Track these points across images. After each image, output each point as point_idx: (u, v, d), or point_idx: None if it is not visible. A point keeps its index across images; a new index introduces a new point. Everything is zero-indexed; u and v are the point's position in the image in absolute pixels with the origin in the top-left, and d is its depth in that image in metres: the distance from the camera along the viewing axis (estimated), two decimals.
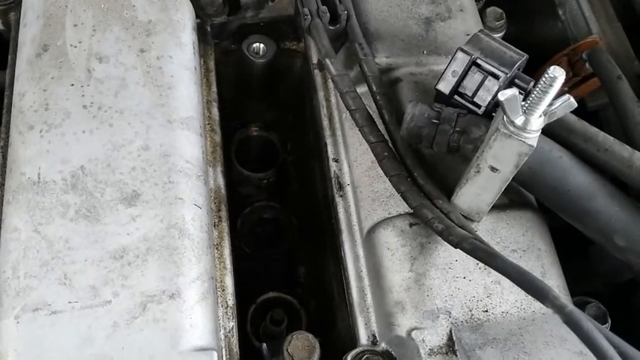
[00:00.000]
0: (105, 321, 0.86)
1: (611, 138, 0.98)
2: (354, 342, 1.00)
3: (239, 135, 1.56)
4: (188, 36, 1.13)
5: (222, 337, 0.99)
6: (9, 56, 1.18)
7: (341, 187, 1.12)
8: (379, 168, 1.01)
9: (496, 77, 0.95)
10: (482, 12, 1.31)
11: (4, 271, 0.90)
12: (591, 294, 1.08)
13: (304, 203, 1.53)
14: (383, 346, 0.96)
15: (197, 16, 1.23)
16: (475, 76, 0.96)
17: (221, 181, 1.14)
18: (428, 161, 1.03)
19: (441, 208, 0.95)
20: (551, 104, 0.80)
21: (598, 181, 0.97)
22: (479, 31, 0.99)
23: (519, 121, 0.81)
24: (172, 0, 1.13)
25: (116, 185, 0.95)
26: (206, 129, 1.16)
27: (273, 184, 1.57)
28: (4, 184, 1.00)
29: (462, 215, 0.97)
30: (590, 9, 1.35)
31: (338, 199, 1.11)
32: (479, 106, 0.95)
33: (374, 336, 0.98)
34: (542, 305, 0.75)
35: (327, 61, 1.09)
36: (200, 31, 1.26)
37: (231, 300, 1.03)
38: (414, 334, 0.91)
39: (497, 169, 0.88)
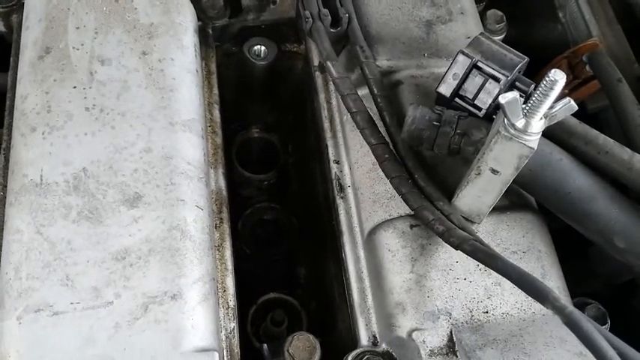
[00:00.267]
0: (107, 322, 0.87)
1: (612, 140, 0.98)
2: (354, 343, 1.00)
3: (240, 137, 1.57)
4: (190, 38, 1.13)
5: (224, 337, 0.99)
6: (11, 59, 1.18)
7: (342, 188, 1.12)
8: (380, 170, 1.01)
9: (497, 80, 0.95)
10: (482, 15, 1.31)
11: (6, 273, 0.90)
12: (591, 295, 1.08)
13: (305, 205, 1.53)
14: (383, 346, 0.96)
15: (199, 19, 1.24)
16: (476, 79, 0.96)
17: (222, 183, 1.15)
18: (429, 163, 1.03)
19: (442, 209, 0.95)
20: (551, 107, 0.80)
21: (598, 183, 0.97)
22: (479, 34, 1.00)
23: (520, 123, 0.81)
24: (174, 3, 1.14)
25: (118, 187, 0.96)
26: (207, 131, 1.16)
27: (273, 186, 1.57)
28: (6, 186, 1.00)
29: (463, 217, 0.97)
30: (590, 12, 1.36)
31: (339, 201, 1.11)
32: (480, 109, 0.96)
33: (374, 337, 0.99)
34: (542, 306, 0.76)
35: (329, 63, 1.10)
36: (202, 33, 1.26)
37: (232, 301, 1.03)
38: (414, 335, 0.91)
39: (497, 172, 0.88)
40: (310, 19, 1.16)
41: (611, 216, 0.95)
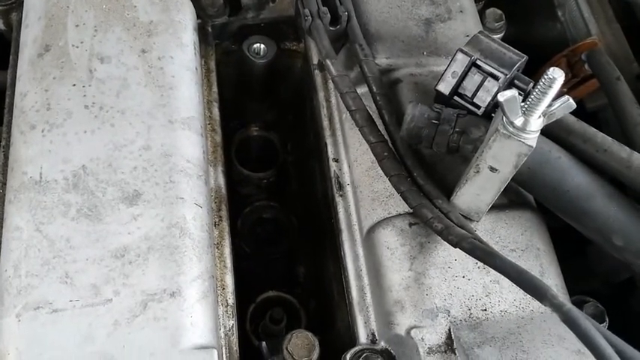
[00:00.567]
0: (106, 319, 0.87)
1: (610, 139, 0.99)
2: (353, 341, 1.00)
3: (239, 135, 1.57)
4: (189, 36, 1.13)
5: (223, 335, 0.99)
6: (10, 57, 1.18)
7: (341, 186, 1.12)
8: (379, 168, 1.01)
9: (495, 78, 0.95)
10: (481, 13, 1.31)
11: (5, 270, 0.90)
12: (589, 293, 1.08)
13: (304, 203, 1.53)
14: (382, 344, 0.96)
15: (198, 17, 1.24)
16: (475, 77, 0.96)
17: (221, 181, 1.15)
18: (428, 161, 1.03)
19: (441, 207, 0.95)
20: (550, 105, 0.80)
21: (597, 181, 0.97)
22: (478, 33, 1.00)
23: (519, 121, 0.81)
24: (173, 1, 1.14)
25: (117, 185, 0.96)
26: (207, 129, 1.17)
27: (273, 184, 1.57)
28: (5, 184, 1.00)
29: (462, 215, 0.97)
30: (590, 10, 1.36)
31: (338, 199, 1.11)
32: (478, 107, 0.96)
33: (373, 335, 0.99)
34: (540, 304, 0.76)
35: (328, 61, 1.10)
36: (201, 31, 1.26)
37: (231, 299, 1.04)
38: (413, 332, 0.92)
39: (496, 170, 0.88)
40: (309, 18, 1.16)
41: (610, 214, 0.96)
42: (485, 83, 0.95)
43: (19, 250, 0.91)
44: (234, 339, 1.00)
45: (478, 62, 0.96)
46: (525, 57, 0.97)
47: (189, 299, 0.90)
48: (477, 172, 0.90)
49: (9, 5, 1.25)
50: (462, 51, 0.97)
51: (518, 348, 0.88)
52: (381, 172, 1.01)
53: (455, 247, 0.89)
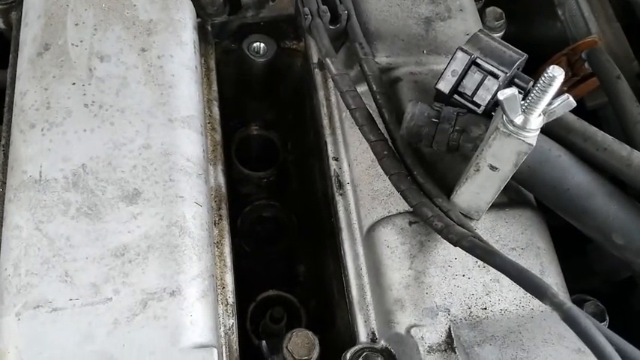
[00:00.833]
0: (105, 318, 0.87)
1: (610, 137, 0.98)
2: (353, 339, 1.00)
3: (239, 134, 1.57)
4: (189, 35, 1.13)
5: (222, 334, 0.99)
6: (10, 55, 1.18)
7: (341, 185, 1.12)
8: (379, 167, 1.01)
9: (495, 77, 0.95)
10: (481, 12, 1.31)
11: (5, 269, 0.90)
12: (590, 292, 1.08)
13: (304, 202, 1.53)
14: (382, 343, 0.96)
15: (198, 16, 1.24)
16: (475, 76, 0.96)
17: (221, 180, 1.15)
18: (427, 160, 1.03)
19: (441, 206, 0.95)
20: (550, 103, 0.80)
21: (597, 179, 0.97)
22: (478, 31, 1.00)
23: (518, 120, 0.81)
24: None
25: (117, 183, 0.96)
26: (207, 128, 1.17)
27: (273, 183, 1.57)
28: (5, 183, 1.00)
29: (462, 214, 0.97)
30: (590, 9, 1.36)
31: (338, 198, 1.11)
32: (478, 106, 0.96)
33: (373, 333, 0.99)
34: (540, 303, 0.76)
35: (328, 60, 1.10)
36: (201, 30, 1.26)
37: (231, 298, 1.03)
38: (413, 331, 0.92)
39: (496, 168, 0.88)
40: (309, 16, 1.16)
41: (610, 213, 0.95)
42: (486, 82, 0.95)
43: (18, 249, 0.90)
44: (234, 338, 1.00)
45: (478, 61, 0.96)
46: (525, 55, 0.97)
47: (189, 298, 0.90)
48: (477, 170, 0.90)
49: (9, 4, 1.25)
50: (462, 49, 0.97)
51: (519, 346, 0.88)
52: (381, 170, 1.01)
53: (455, 245, 0.89)
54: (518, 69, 0.97)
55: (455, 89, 0.97)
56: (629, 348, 0.74)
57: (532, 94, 0.79)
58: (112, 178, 0.96)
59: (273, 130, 1.58)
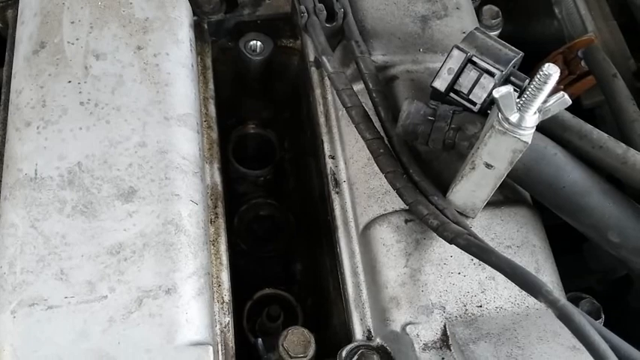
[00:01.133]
0: (101, 316, 0.87)
1: (606, 135, 0.99)
2: (349, 337, 1.00)
3: (236, 133, 1.56)
4: (185, 33, 1.13)
5: (218, 332, 0.99)
6: (6, 53, 1.18)
7: (337, 183, 1.12)
8: (375, 165, 1.01)
9: (491, 75, 0.95)
10: (478, 10, 1.31)
11: (0, 267, 0.90)
12: (586, 290, 1.08)
13: (301, 200, 1.53)
14: (378, 341, 0.96)
15: (194, 14, 1.24)
16: (471, 74, 0.96)
17: (218, 178, 1.15)
18: (423, 158, 1.03)
19: (436, 204, 0.95)
20: (545, 101, 0.80)
21: (592, 177, 0.97)
22: (474, 29, 1.00)
23: (514, 118, 0.81)
24: None
25: (113, 181, 0.96)
26: (203, 126, 1.17)
27: (270, 182, 1.57)
28: (0, 181, 1.00)
29: (457, 211, 0.97)
30: (586, 7, 1.36)
31: (334, 196, 1.11)
32: (474, 104, 0.96)
33: (369, 331, 0.99)
34: (535, 301, 0.76)
35: (324, 58, 1.10)
36: (197, 28, 1.26)
37: (227, 296, 1.03)
38: (408, 329, 0.92)
39: (492, 166, 0.88)
40: (305, 14, 1.16)
41: (605, 210, 0.96)
42: (481, 80, 0.95)
43: (14, 247, 0.91)
44: (230, 336, 1.00)
45: (474, 59, 0.96)
46: (521, 53, 0.97)
47: (185, 296, 0.90)
48: (473, 168, 0.90)
49: (5, 2, 1.25)
50: (458, 47, 0.97)
51: (514, 344, 0.88)
52: (377, 168, 1.01)
53: (450, 243, 0.89)
54: (514, 67, 0.97)
55: (451, 87, 0.97)
56: (624, 345, 0.74)
57: (527, 92, 0.79)
58: (107, 176, 0.96)
59: (269, 129, 1.58)
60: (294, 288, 1.46)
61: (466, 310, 0.94)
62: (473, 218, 1.01)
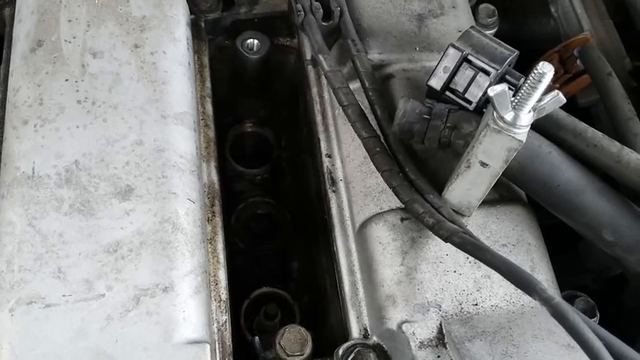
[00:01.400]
0: (98, 314, 0.87)
1: (600, 134, 0.99)
2: (345, 335, 1.01)
3: (233, 131, 1.57)
4: (182, 32, 1.13)
5: (216, 330, 0.99)
6: (3, 52, 1.18)
7: (334, 182, 1.12)
8: (371, 163, 1.01)
9: (487, 73, 0.95)
10: (474, 9, 1.31)
11: None
12: (581, 289, 1.09)
13: (298, 199, 1.54)
14: (374, 339, 0.97)
15: (191, 12, 1.24)
16: (466, 72, 0.96)
17: (215, 177, 1.15)
18: (419, 156, 1.03)
19: (432, 202, 0.96)
20: (540, 100, 0.81)
21: (587, 176, 0.97)
22: (470, 28, 1.00)
23: (509, 116, 0.81)
24: None
25: (110, 180, 0.96)
26: (200, 124, 1.17)
27: (267, 180, 1.57)
28: None
29: (453, 210, 0.98)
30: (582, 6, 1.37)
31: (331, 195, 1.12)
32: (470, 102, 0.96)
33: (365, 329, 0.99)
34: (531, 299, 0.76)
35: (320, 57, 1.10)
36: (194, 27, 1.26)
37: (224, 294, 1.04)
38: (404, 327, 0.92)
39: (487, 164, 0.89)
40: (302, 13, 1.16)
41: (600, 209, 0.96)
42: (477, 78, 0.95)
43: (11, 245, 0.91)
44: (228, 334, 1.01)
45: (470, 57, 0.96)
46: (517, 52, 0.97)
47: (182, 294, 0.90)
48: (468, 167, 0.91)
49: (2, 1, 1.25)
50: (453, 46, 0.97)
51: (509, 342, 0.89)
52: (373, 167, 1.01)
53: (446, 241, 0.90)
54: (509, 66, 0.97)
55: (446, 86, 0.97)
56: (617, 343, 0.74)
57: (522, 91, 0.80)
58: (104, 174, 0.96)
59: (266, 127, 1.59)
60: (291, 286, 1.47)
61: (462, 308, 0.94)
62: (468, 217, 1.01)
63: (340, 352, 0.95)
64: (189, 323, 0.89)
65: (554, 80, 0.81)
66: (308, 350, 0.98)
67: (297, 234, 1.54)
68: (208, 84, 1.24)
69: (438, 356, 0.90)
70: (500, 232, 1.02)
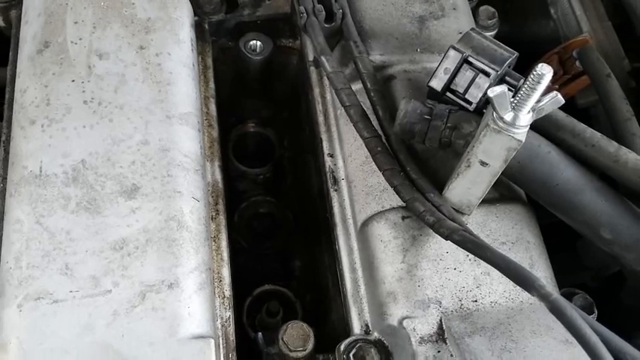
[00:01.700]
0: (105, 310, 0.88)
1: (599, 134, 1.00)
2: (347, 331, 1.02)
3: (236, 131, 1.58)
4: (186, 33, 1.15)
5: (219, 326, 1.01)
6: (10, 53, 1.20)
7: (336, 181, 1.14)
8: (373, 163, 1.03)
9: (487, 74, 0.96)
10: (475, 11, 1.32)
11: (6, 262, 0.92)
12: (579, 287, 1.10)
13: (300, 198, 1.55)
14: (375, 335, 0.98)
15: (195, 14, 1.25)
16: (467, 74, 0.98)
17: (218, 176, 1.16)
18: (420, 156, 1.05)
19: (433, 201, 0.97)
20: (539, 100, 0.82)
21: (585, 175, 0.99)
22: (470, 30, 1.01)
23: (508, 117, 0.83)
24: None
25: (116, 178, 0.97)
26: (204, 124, 1.18)
27: (269, 180, 1.59)
28: (6, 178, 1.02)
29: (453, 208, 0.99)
30: (581, 8, 1.38)
31: (333, 194, 1.13)
32: (470, 103, 0.97)
33: (367, 326, 1.01)
34: (529, 296, 0.77)
35: (323, 58, 1.11)
36: (198, 28, 1.28)
37: (227, 291, 1.05)
38: (405, 323, 0.93)
39: (487, 164, 0.90)
40: (305, 15, 1.18)
41: (598, 208, 0.97)
42: (477, 79, 0.97)
43: (20, 243, 0.92)
44: (231, 329, 1.02)
45: (470, 59, 0.97)
46: (516, 54, 0.98)
47: (187, 290, 0.92)
48: (468, 166, 0.92)
49: (8, 2, 1.26)
50: (454, 48, 0.99)
51: (508, 338, 0.90)
52: (375, 166, 1.03)
53: (446, 239, 0.91)
54: (509, 67, 0.99)
55: (447, 87, 0.99)
56: (615, 338, 0.75)
57: (521, 92, 0.81)
58: (111, 173, 0.98)
59: (269, 127, 1.60)
60: (293, 284, 1.48)
61: (462, 304, 0.95)
62: (468, 215, 1.02)
63: (342, 347, 0.97)
64: (193, 319, 0.91)
65: (554, 81, 0.82)
66: (310, 346, 0.99)
67: (298, 233, 1.55)
68: (212, 85, 1.26)
69: (438, 351, 0.91)
70: (500, 231, 1.03)
